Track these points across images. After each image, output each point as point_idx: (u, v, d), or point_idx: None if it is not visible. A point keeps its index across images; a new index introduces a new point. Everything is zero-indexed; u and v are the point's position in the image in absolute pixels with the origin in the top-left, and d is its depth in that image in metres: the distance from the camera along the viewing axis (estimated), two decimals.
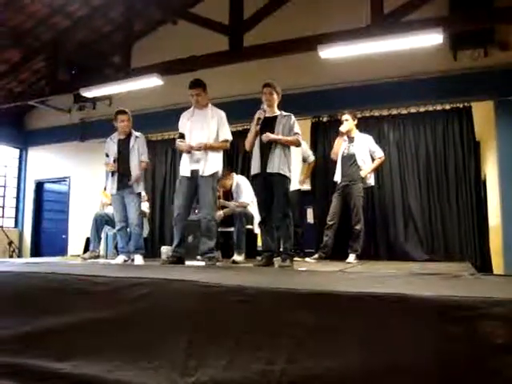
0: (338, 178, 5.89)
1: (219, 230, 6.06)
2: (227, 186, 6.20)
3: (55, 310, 2.80)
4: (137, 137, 5.44)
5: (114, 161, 5.35)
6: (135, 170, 5.32)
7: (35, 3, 7.22)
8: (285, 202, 4.49)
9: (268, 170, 4.49)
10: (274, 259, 4.66)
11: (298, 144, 4.69)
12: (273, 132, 4.54)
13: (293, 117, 4.66)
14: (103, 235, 6.81)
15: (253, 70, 6.53)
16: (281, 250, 4.69)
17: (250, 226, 5.98)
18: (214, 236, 4.83)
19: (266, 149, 4.54)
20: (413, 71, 6.47)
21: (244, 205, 5.91)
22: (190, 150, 4.75)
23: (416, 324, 1.88)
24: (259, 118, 4.58)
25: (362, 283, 2.76)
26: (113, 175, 5.36)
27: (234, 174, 6.34)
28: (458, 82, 6.28)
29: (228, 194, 6.24)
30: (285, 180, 4.50)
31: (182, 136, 4.85)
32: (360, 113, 6.45)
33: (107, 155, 5.47)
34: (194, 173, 4.75)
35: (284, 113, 4.69)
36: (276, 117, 4.65)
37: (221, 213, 5.91)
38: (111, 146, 5.47)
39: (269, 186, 4.55)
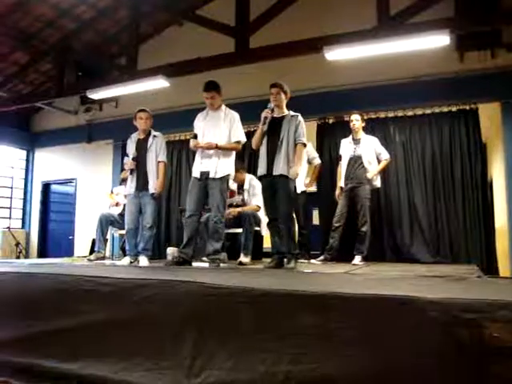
0: (343, 182, 5.88)
1: (226, 231, 6.08)
2: (240, 181, 6.18)
3: (62, 311, 2.81)
4: (155, 136, 5.40)
5: (133, 159, 5.31)
6: (152, 170, 5.27)
7: (42, 6, 7.27)
8: (287, 203, 4.50)
9: (274, 173, 4.49)
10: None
11: (302, 152, 4.66)
12: (279, 132, 4.53)
13: (300, 117, 4.62)
14: (109, 236, 6.82)
15: (259, 72, 6.54)
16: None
17: (257, 228, 5.97)
18: (221, 238, 4.83)
19: (273, 150, 4.54)
20: (419, 73, 6.46)
21: (256, 209, 5.89)
22: (197, 148, 4.80)
23: (422, 326, 1.88)
24: (266, 118, 4.57)
25: (367, 285, 2.75)
26: (131, 174, 5.34)
27: (246, 173, 6.32)
28: (465, 83, 6.27)
29: (233, 192, 6.21)
30: (288, 181, 4.49)
31: (195, 136, 4.86)
32: (366, 114, 6.43)
33: (127, 155, 5.45)
34: (205, 174, 4.77)
35: (292, 113, 4.66)
36: (284, 117, 4.63)
37: (233, 210, 5.88)
38: (131, 145, 5.45)
39: (274, 188, 4.55)
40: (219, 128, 4.80)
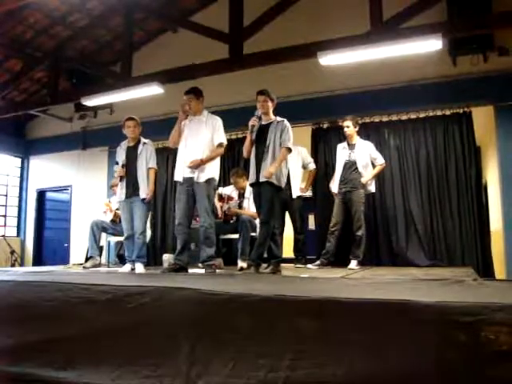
0: (335, 188, 5.89)
1: (222, 237, 6.08)
2: (241, 187, 6.18)
3: (58, 319, 2.80)
4: (144, 143, 5.44)
5: (123, 166, 5.34)
6: (142, 176, 5.30)
7: (36, 14, 7.27)
8: (266, 209, 4.51)
9: (260, 180, 4.53)
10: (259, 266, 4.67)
11: (285, 156, 4.61)
12: (266, 139, 4.57)
13: (286, 122, 4.65)
14: (105, 243, 6.79)
15: (253, 78, 6.55)
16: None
17: (253, 234, 5.98)
18: (213, 243, 4.83)
19: (260, 158, 4.58)
20: (413, 77, 6.49)
21: (254, 216, 5.90)
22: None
23: (418, 330, 1.88)
24: (253, 126, 4.62)
25: (363, 289, 2.75)
26: (121, 181, 5.37)
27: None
28: (458, 87, 6.30)
29: (232, 198, 6.21)
30: (271, 188, 4.50)
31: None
32: (360, 119, 6.45)
33: (117, 163, 5.48)
34: (189, 179, 4.77)
35: (278, 118, 4.69)
36: (270, 124, 4.66)
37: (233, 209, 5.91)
38: (120, 153, 5.48)
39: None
40: (201, 133, 4.83)
